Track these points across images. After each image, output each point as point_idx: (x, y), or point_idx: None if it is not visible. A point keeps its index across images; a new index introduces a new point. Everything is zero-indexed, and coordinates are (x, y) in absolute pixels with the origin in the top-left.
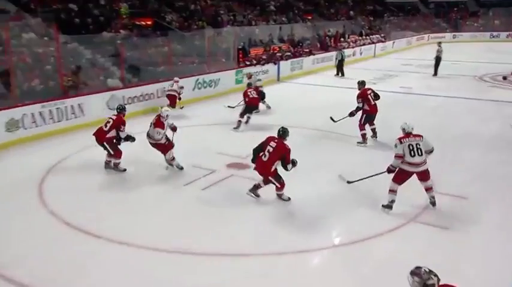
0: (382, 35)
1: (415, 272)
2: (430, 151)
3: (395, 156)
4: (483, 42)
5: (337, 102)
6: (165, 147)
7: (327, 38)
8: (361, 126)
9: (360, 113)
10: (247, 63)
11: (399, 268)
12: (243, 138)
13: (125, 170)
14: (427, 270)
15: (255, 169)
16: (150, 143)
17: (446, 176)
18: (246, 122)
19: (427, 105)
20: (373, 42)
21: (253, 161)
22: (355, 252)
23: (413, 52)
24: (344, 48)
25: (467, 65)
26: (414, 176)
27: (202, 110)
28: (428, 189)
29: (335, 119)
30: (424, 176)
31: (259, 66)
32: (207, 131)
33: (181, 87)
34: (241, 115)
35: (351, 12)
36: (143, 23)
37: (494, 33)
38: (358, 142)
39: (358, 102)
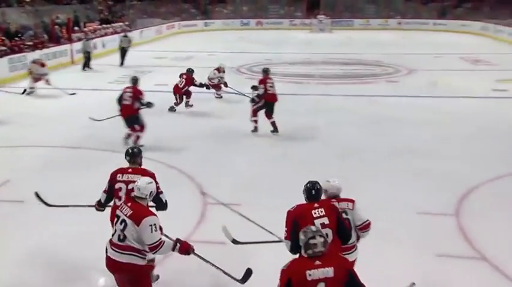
0: (127, 23)
1: (304, 229)
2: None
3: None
4: (236, 30)
5: (81, 109)
6: None
7: (56, 27)
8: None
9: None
10: None
11: None
12: None
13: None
14: (315, 229)
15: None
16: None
17: (217, 184)
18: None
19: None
20: (116, 32)
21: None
22: None
23: (165, 43)
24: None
25: (222, 56)
26: None
27: None
28: None
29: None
30: None
31: None
32: None
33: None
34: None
35: None
36: None
37: (244, 21)
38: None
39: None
